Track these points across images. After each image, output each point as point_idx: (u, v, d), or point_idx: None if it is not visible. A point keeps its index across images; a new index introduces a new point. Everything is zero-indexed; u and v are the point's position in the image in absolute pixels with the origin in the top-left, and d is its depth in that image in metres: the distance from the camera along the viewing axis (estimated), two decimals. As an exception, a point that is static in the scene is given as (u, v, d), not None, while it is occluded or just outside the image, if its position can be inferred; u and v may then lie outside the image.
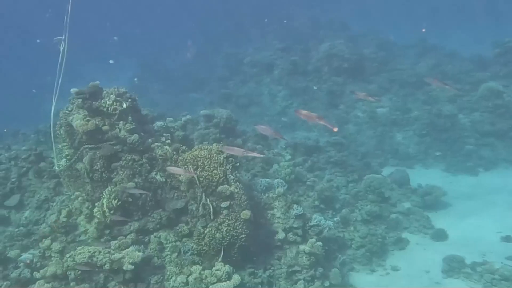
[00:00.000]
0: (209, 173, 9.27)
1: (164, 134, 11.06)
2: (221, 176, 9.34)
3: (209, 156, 9.42)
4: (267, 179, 12.25)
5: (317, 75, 23.78)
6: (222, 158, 9.49)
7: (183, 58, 33.00)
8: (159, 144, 10.14)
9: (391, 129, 20.52)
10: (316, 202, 13.46)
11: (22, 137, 16.35)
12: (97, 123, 9.21)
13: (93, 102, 9.29)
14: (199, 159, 9.40)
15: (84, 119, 9.24)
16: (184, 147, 10.07)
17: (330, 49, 23.69)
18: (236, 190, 9.34)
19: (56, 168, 10.23)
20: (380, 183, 14.27)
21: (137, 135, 9.53)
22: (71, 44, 9.01)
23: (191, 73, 30.39)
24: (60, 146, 10.34)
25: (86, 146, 9.45)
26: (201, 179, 9.25)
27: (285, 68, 24.61)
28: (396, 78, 22.65)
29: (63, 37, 8.46)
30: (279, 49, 26.69)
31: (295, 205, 11.12)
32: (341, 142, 17.13)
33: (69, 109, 9.74)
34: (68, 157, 10.01)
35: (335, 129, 7.31)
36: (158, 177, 9.75)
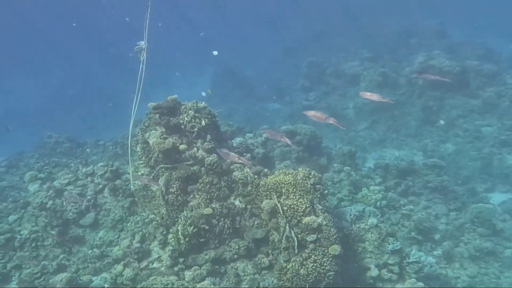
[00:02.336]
0: (294, 202, 8.48)
1: (244, 153, 10.46)
2: (307, 206, 8.50)
3: (294, 182, 8.65)
4: (357, 207, 11.21)
5: (410, 88, 22.10)
6: (309, 186, 8.67)
7: (263, 66, 32.77)
8: (239, 165, 9.54)
9: (500, 150, 18.35)
10: (412, 233, 12.20)
11: (101, 148, 16.83)
12: (174, 141, 8.88)
13: (171, 118, 9.01)
14: (283, 185, 8.66)
15: (161, 137, 8.97)
16: (266, 170, 9.38)
17: (427, 61, 21.91)
18: (324, 222, 8.45)
19: (132, 187, 10.10)
20: (490, 213, 12.76)
21: (215, 155, 9.04)
22: (152, 50, 8.77)
23: (270, 82, 30.04)
24: (136, 163, 10.20)
25: (162, 165, 9.17)
26: (285, 208, 8.47)
27: (373, 79, 23.23)
28: (507, 94, 20.30)
29: (144, 46, 8.20)
30: (366, 58, 25.35)
31: (390, 239, 9.97)
32: (440, 165, 15.48)
33: (146, 124, 9.56)
34: (144, 176, 9.79)
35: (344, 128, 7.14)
36: (237, 202, 9.17)
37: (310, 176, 8.85)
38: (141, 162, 9.83)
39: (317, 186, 8.82)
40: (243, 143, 11.88)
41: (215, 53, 19.28)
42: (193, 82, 35.11)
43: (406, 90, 22.14)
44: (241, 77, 31.74)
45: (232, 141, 11.73)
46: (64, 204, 10.78)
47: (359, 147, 19.53)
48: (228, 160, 8.61)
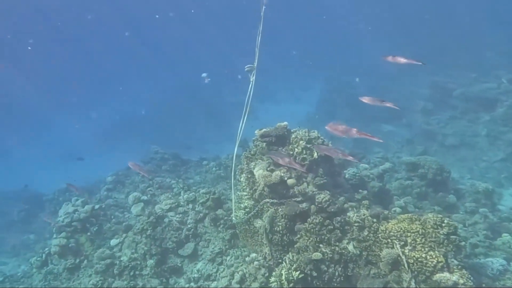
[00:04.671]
0: (423, 255, 7.31)
1: (360, 190, 9.48)
2: (439, 260, 7.27)
3: (423, 231, 7.49)
4: (500, 261, 9.52)
5: None
6: (441, 236, 7.43)
7: (376, 83, 31.11)
8: (354, 204, 8.61)
9: None
10: None
11: (204, 168, 16.90)
12: (282, 174, 8.27)
13: (280, 148, 8.37)
14: (408, 234, 7.56)
15: (268, 168, 8.42)
16: (386, 212, 8.31)
17: None
18: (461, 281, 7.18)
19: (234, 218, 9.68)
20: None
21: (328, 192, 8.27)
22: (261, 67, 8.33)
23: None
24: (239, 193, 9.78)
25: (268, 200, 8.59)
26: (411, 260, 7.35)
27: (516, 106, 20.48)
28: None
29: (254, 65, 7.78)
30: (509, 80, 22.53)
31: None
32: None
33: (251, 152, 9.08)
34: (246, 210, 9.36)
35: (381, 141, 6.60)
36: (351, 247, 8.22)
37: (443, 225, 7.61)
38: (244, 193, 9.38)
39: (451, 237, 7.54)
40: (357, 174, 10.89)
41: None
42: (299, 96, 34.65)
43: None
44: (353, 94, 30.44)
45: (345, 171, 10.80)
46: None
47: (493, 180, 17.23)
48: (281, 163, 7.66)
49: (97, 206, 12.66)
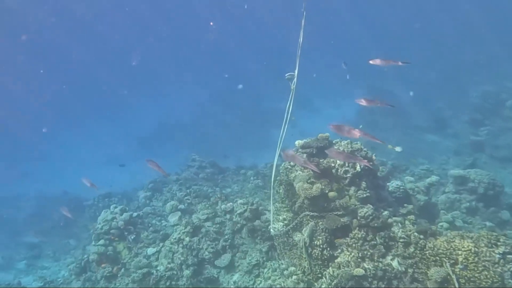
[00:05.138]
0: (476, 275, 6.87)
1: (405, 204, 9.07)
2: (495, 281, 6.81)
3: (476, 250, 7.04)
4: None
5: None
6: (497, 256, 6.95)
7: (418, 91, 30.14)
8: (399, 219, 8.22)
9: None
10: None
11: (242, 177, 16.75)
12: (322, 187, 8.01)
13: (321, 160, 8.12)
14: (459, 252, 7.12)
15: (308, 181, 8.17)
16: (434, 228, 7.89)
17: None
18: (518, 305, 6.68)
19: (272, 230, 9.47)
20: None
21: (371, 206, 7.93)
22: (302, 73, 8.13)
23: (429, 110, 27.38)
24: (277, 205, 9.58)
25: (307, 213, 8.34)
26: (462, 280, 6.94)
27: None
28: None
29: (295, 73, 7.59)
30: None
31: None
32: None
33: (291, 163, 8.83)
34: (285, 222, 9.16)
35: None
36: (395, 264, 7.84)
37: (499, 243, 7.14)
38: (283, 205, 9.18)
39: (508, 256, 7.05)
40: (401, 187, 10.44)
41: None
42: (338, 104, 34.02)
43: None
44: (394, 104, 29.58)
45: (388, 184, 10.39)
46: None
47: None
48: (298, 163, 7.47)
49: (135, 214, 12.75)
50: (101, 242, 11.91)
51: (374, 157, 8.65)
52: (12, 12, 44.91)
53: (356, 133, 6.53)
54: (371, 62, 7.46)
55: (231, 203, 11.70)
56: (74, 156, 33.46)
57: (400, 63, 7.29)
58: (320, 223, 8.23)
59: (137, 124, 37.30)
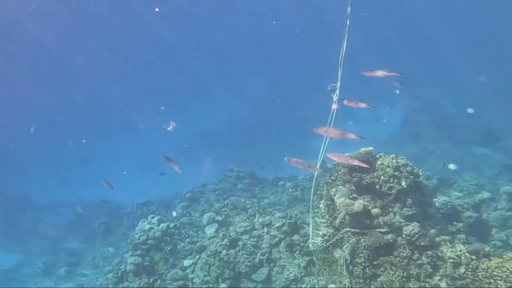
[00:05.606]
0: (536, 302, 6.39)
1: (454, 222, 8.61)
2: (555, 309, 6.31)
3: (535, 273, 6.55)
4: None
5: None
6: (558, 281, 6.44)
7: (467, 102, 28.95)
8: (447, 238, 7.79)
9: None
10: None
11: (281, 188, 16.43)
12: (365, 203, 7.71)
13: (363, 175, 7.81)
14: (516, 275, 6.65)
15: (350, 196, 7.88)
16: (487, 249, 7.41)
17: None
18: None
19: (311, 246, 9.21)
20: None
21: (417, 224, 7.54)
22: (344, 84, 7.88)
23: (480, 121, 26.21)
24: (317, 220, 9.31)
25: (349, 229, 8.03)
26: (518, 306, 6.46)
27: None
28: None
29: (337, 85, 7.35)
30: None
31: None
32: None
33: (332, 178, 8.58)
34: (325, 238, 8.87)
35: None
36: (443, 285, 7.43)
37: (561, 268, 6.62)
38: (323, 220, 8.90)
39: None
40: (449, 203, 9.93)
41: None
42: (381, 115, 33.15)
43: None
44: (440, 114, 28.55)
45: (434, 199, 9.90)
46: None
47: None
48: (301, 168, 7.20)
49: (172, 225, 12.75)
50: (138, 252, 11.95)
51: (420, 173, 8.25)
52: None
53: (338, 133, 6.65)
54: (364, 73, 7.31)
55: (269, 217, 11.50)
56: (115, 164, 34.10)
57: (394, 74, 7.22)
58: (362, 240, 7.91)
59: (176, 133, 37.69)
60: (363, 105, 7.07)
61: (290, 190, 15.07)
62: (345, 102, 7.25)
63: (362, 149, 8.14)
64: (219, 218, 12.82)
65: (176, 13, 51.97)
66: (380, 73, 7.09)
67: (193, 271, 11.11)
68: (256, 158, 27.37)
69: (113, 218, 20.48)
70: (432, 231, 7.87)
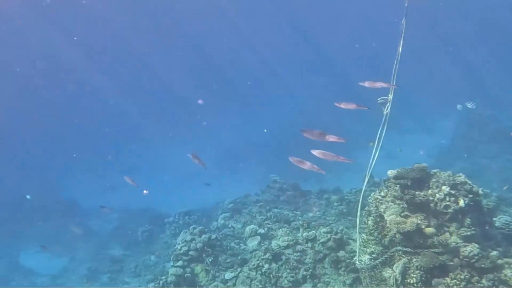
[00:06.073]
0: None
1: (517, 244, 7.98)
2: None
3: None
4: None
5: None
6: None
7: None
8: (511, 260, 7.19)
9: None
10: None
11: (325, 201, 15.87)
12: (418, 222, 7.26)
13: (417, 193, 7.36)
14: None
15: (401, 214, 7.44)
16: (555, 276, 6.78)
17: None
18: None
19: (357, 263, 8.79)
20: None
21: (476, 246, 6.99)
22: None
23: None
24: (364, 236, 8.88)
25: (400, 248, 7.56)
26: None
27: None
28: None
29: (389, 98, 6.97)
30: None
31: None
32: None
33: (381, 194, 8.15)
34: (373, 256, 8.42)
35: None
36: (505, 312, 6.84)
37: None
38: (371, 237, 8.47)
39: None
40: (511, 223, 9.23)
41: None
42: (430, 127, 31.79)
43: None
44: (497, 128, 27.05)
45: (495, 219, 9.23)
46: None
47: None
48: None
49: (213, 236, 12.59)
50: (180, 263, 11.86)
51: (480, 192, 7.69)
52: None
53: (326, 137, 6.91)
54: (360, 84, 7.36)
55: (313, 231, 11.13)
56: (160, 171, 34.46)
57: (387, 85, 7.21)
58: (415, 260, 7.43)
59: (220, 140, 37.74)
60: (359, 106, 7.06)
61: (335, 204, 14.61)
62: (341, 105, 7.29)
63: (416, 165, 7.70)
64: (261, 230, 12.55)
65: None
66: (378, 85, 7.11)
67: (234, 284, 10.87)
68: (299, 168, 26.80)
69: (155, 226, 20.62)
70: (494, 253, 7.29)
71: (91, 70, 52.02)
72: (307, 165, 7.16)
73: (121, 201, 28.64)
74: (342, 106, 7.20)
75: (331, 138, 6.89)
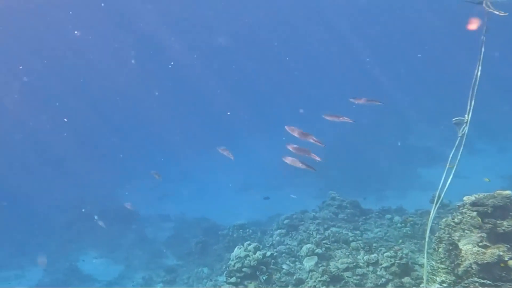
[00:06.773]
0: None
1: None
2: None
3: None
4: None
5: None
6: None
7: None
8: None
9: None
10: None
11: (387, 222, 14.99)
12: (500, 253, 6.50)
13: (499, 222, 6.66)
14: None
15: (479, 243, 6.75)
16: None
17: None
18: None
19: (426, 292, 8.12)
20: None
21: None
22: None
23: None
24: (433, 263, 8.21)
25: (477, 280, 6.87)
26: None
27: None
28: None
29: (466, 118, 6.33)
30: None
31: None
32: None
33: (455, 220, 7.48)
34: (443, 285, 7.71)
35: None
36: None
37: None
38: (442, 266, 7.78)
39: None
40: None
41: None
42: (504, 146, 29.48)
43: None
44: None
45: None
46: None
47: None
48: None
49: (268, 253, 12.22)
50: (233, 280, 11.59)
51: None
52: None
53: (309, 137, 7.37)
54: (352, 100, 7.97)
55: (375, 255, 10.49)
56: (214, 180, 34.44)
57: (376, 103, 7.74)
58: (498, 294, 6.72)
59: (276, 151, 37.10)
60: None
61: (399, 225, 13.83)
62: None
63: (497, 192, 7.00)
64: (319, 250, 12.03)
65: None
66: (363, 101, 7.74)
67: (290, 305, 10.47)
68: (359, 184, 25.93)
69: (209, 238, 20.55)
70: None
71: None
72: (302, 166, 7.57)
73: (177, 210, 28.99)
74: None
75: (311, 139, 7.38)
